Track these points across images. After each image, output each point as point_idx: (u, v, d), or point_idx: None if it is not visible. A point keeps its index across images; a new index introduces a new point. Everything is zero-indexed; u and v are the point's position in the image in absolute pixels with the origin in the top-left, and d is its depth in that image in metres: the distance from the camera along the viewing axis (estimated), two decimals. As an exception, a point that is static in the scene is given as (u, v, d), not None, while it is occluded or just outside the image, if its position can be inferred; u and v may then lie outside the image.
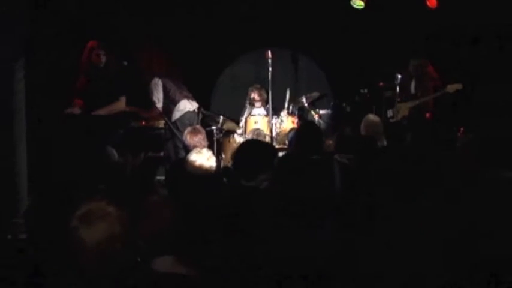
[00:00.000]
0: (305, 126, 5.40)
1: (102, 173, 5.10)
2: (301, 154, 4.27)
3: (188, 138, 4.92)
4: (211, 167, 4.27)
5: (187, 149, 4.90)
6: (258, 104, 7.33)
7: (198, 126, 5.34)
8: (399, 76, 6.61)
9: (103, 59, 5.49)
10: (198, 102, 6.67)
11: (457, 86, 6.20)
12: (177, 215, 2.42)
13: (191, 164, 4.22)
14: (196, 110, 6.50)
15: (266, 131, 6.63)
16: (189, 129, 5.12)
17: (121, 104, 5.62)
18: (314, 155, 4.11)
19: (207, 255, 2.41)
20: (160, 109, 6.29)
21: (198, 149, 4.45)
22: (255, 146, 3.67)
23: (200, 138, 4.89)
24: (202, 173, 4.19)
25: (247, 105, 7.42)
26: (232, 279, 2.26)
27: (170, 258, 2.16)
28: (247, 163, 3.34)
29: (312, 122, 6.89)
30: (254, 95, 7.32)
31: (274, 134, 6.70)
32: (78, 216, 2.00)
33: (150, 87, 6.39)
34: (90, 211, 2.00)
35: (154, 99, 6.32)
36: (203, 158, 4.24)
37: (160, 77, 6.52)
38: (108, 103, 5.52)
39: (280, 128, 6.84)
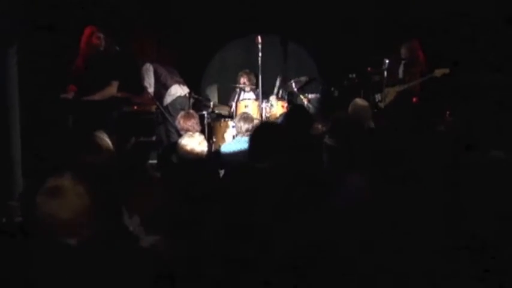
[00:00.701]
0: (294, 109, 5.45)
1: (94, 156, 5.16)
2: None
3: (181, 122, 4.97)
4: (202, 151, 4.26)
5: (180, 133, 4.96)
6: (247, 89, 7.42)
7: (191, 111, 5.38)
8: (387, 61, 6.69)
9: (103, 42, 5.56)
10: (189, 87, 6.74)
11: (444, 71, 6.31)
12: (168, 197, 2.44)
13: (182, 148, 4.21)
14: (187, 95, 6.57)
15: (256, 115, 6.71)
16: (182, 113, 5.16)
17: (113, 89, 5.67)
18: (303, 138, 4.15)
19: (198, 236, 2.46)
20: (152, 94, 6.36)
21: (191, 133, 4.49)
22: (272, 129, 3.66)
23: (193, 123, 4.94)
24: (193, 157, 4.20)
25: (237, 90, 7.50)
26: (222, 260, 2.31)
27: (158, 238, 2.17)
28: (261, 145, 3.33)
29: (301, 105, 6.98)
30: (244, 80, 7.39)
31: (264, 118, 6.79)
32: (46, 192, 2.05)
33: (142, 73, 6.45)
34: (58, 186, 2.04)
35: (146, 84, 6.39)
36: (195, 142, 4.24)
37: (151, 62, 6.57)
38: (102, 87, 5.57)
39: (270, 112, 6.92)
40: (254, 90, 7.34)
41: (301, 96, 7.30)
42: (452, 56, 6.65)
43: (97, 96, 5.51)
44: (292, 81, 7.37)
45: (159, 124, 6.55)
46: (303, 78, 7.48)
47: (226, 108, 7.41)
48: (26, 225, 2.90)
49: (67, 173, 2.12)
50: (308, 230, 2.52)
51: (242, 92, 7.48)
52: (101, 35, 5.55)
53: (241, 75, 7.43)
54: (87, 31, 5.57)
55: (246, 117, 5.04)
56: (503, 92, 6.18)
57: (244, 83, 7.35)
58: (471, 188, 2.68)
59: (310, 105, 7.28)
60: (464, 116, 5.81)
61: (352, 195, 3.08)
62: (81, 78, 5.53)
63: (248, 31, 7.43)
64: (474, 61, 6.62)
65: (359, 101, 5.47)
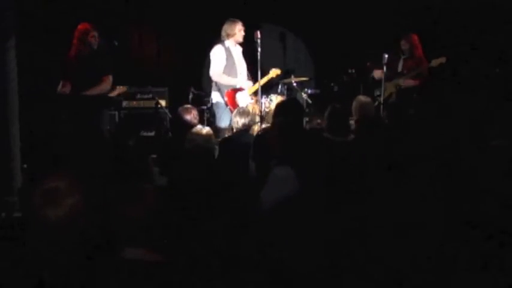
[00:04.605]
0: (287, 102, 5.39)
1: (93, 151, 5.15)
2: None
3: (181, 115, 4.97)
4: (208, 132, 4.27)
5: (181, 127, 4.96)
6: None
7: (190, 106, 5.40)
8: (386, 56, 6.67)
9: (97, 40, 5.56)
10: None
11: (441, 60, 6.29)
12: (160, 204, 2.36)
13: (190, 134, 4.21)
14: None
15: (255, 110, 6.69)
16: (182, 107, 5.17)
17: (109, 83, 5.67)
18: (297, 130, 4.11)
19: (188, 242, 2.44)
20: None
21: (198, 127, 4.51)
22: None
23: (192, 117, 4.94)
24: (200, 141, 4.18)
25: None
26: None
27: (142, 250, 2.08)
28: None
29: (293, 98, 6.92)
30: None
31: (263, 113, 6.77)
32: (42, 193, 2.01)
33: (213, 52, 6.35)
34: (56, 188, 2.01)
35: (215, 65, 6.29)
36: (199, 128, 4.30)
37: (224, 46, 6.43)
38: (98, 82, 5.55)
39: (269, 107, 6.90)
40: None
41: (301, 92, 7.30)
42: (450, 49, 6.65)
43: (95, 91, 5.50)
44: (292, 76, 7.34)
45: (160, 119, 6.53)
46: (302, 78, 7.46)
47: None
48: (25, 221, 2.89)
49: (64, 174, 2.10)
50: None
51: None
52: (96, 34, 5.54)
53: None
54: (82, 27, 5.53)
55: (243, 112, 5.04)
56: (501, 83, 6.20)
57: None
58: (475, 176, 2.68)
59: (309, 101, 7.29)
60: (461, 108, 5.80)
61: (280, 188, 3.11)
62: (74, 74, 5.49)
63: (248, 24, 7.41)
64: (473, 54, 6.63)
65: (362, 98, 5.38)
